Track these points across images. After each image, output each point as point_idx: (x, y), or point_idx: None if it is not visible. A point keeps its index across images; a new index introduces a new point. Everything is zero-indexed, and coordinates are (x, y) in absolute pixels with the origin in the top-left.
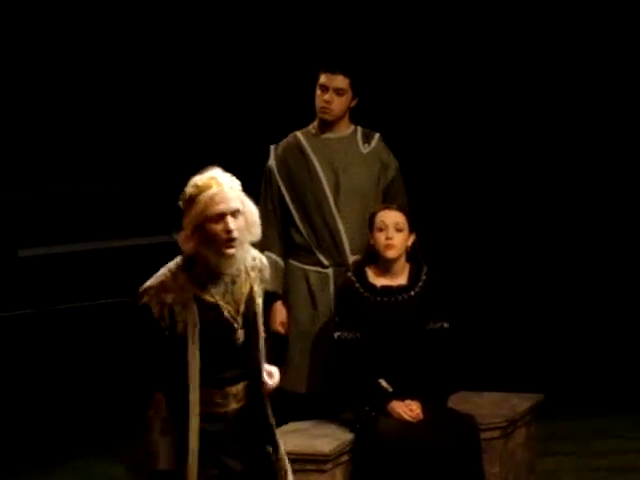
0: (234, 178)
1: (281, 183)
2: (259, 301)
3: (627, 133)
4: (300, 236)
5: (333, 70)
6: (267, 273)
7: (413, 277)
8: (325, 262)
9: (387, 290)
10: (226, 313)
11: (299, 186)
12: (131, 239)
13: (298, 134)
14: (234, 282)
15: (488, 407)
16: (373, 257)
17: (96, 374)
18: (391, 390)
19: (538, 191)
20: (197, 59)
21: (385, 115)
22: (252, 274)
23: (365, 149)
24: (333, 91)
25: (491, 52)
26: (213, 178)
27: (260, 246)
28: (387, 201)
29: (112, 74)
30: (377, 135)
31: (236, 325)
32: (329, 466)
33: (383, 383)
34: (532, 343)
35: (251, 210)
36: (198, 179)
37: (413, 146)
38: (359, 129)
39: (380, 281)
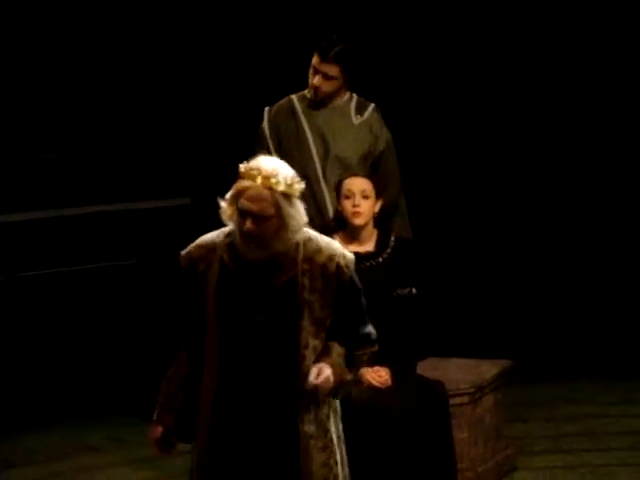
0: (286, 176)
1: (271, 144)
2: (310, 297)
3: (627, 132)
4: None
5: (324, 57)
6: (345, 275)
7: (381, 244)
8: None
9: (355, 257)
10: (247, 290)
11: (288, 149)
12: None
13: (293, 97)
14: (273, 265)
15: (457, 373)
16: (341, 224)
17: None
18: None
19: (512, 164)
20: (189, 26)
21: (384, 86)
22: (305, 267)
23: (357, 119)
24: (322, 76)
25: (493, 35)
26: (259, 170)
27: None
28: (376, 173)
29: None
30: (372, 106)
31: (255, 307)
32: None
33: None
34: (501, 309)
35: (289, 215)
36: (250, 163)
37: (410, 117)
38: (354, 97)
39: (348, 248)
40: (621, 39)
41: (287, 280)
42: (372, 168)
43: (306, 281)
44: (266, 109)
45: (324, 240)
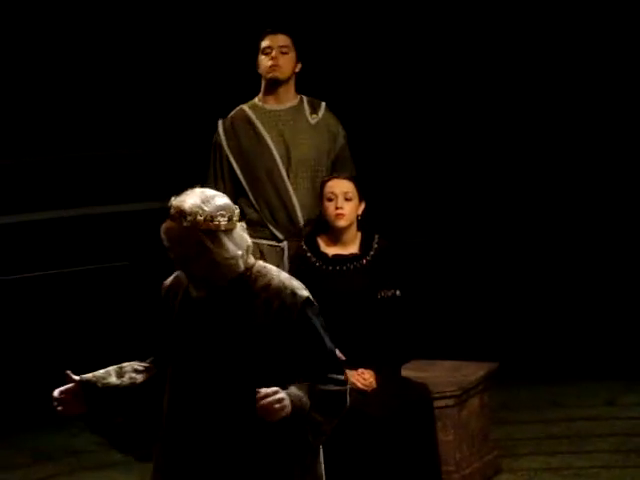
0: (206, 212)
1: (231, 157)
2: (255, 332)
3: (627, 132)
4: (253, 211)
5: (275, 31)
6: (293, 313)
7: (364, 246)
8: (280, 236)
9: (339, 259)
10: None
11: (250, 159)
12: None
13: (244, 107)
14: (225, 297)
15: (442, 376)
16: (324, 226)
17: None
18: (344, 359)
19: (502, 165)
20: (174, 32)
21: (330, 83)
22: (254, 301)
23: (313, 119)
24: (278, 50)
25: (491, 36)
26: (178, 209)
27: None
28: (336, 170)
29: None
30: (323, 104)
31: (205, 338)
32: None
33: (336, 352)
34: (486, 311)
35: (215, 252)
36: (174, 201)
37: (359, 113)
38: (305, 99)
39: (332, 250)
40: (621, 39)
41: (237, 313)
42: (332, 165)
43: (253, 316)
44: (220, 121)
45: (278, 277)
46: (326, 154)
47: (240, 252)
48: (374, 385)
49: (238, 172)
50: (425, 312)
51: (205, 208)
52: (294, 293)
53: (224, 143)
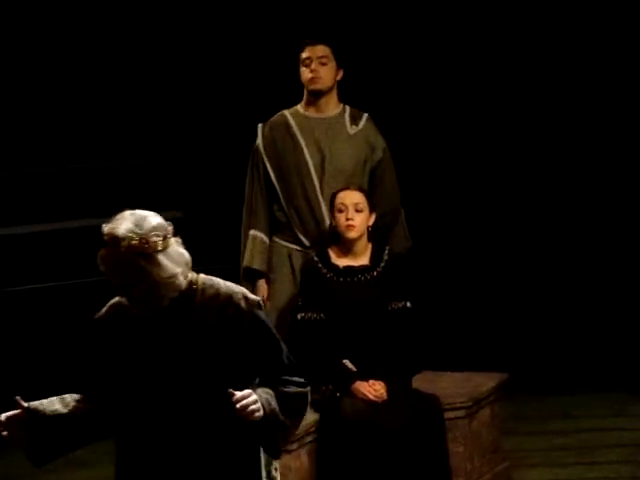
0: (139, 234)
1: (267, 162)
2: (209, 344)
3: (627, 132)
4: (284, 215)
5: (314, 42)
6: (246, 317)
7: (375, 257)
8: (306, 243)
9: (350, 270)
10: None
11: (285, 165)
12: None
13: (286, 113)
14: (170, 314)
15: (452, 387)
16: (335, 238)
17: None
18: (355, 370)
19: (510, 169)
20: (183, 38)
21: (376, 95)
22: (202, 313)
23: (352, 130)
24: (317, 61)
25: (491, 38)
26: (110, 235)
27: (247, 224)
28: (375, 182)
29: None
30: (365, 115)
31: (156, 356)
32: (294, 446)
33: (347, 364)
34: (496, 323)
35: (153, 273)
36: (107, 227)
37: (404, 126)
38: (347, 109)
39: (342, 261)
40: (621, 39)
41: (188, 329)
42: (370, 177)
43: (207, 327)
44: (259, 125)
45: (225, 285)
46: (362, 165)
47: (179, 269)
48: (385, 396)
49: (272, 177)
50: (435, 323)
51: (138, 231)
52: (246, 297)
53: (262, 149)
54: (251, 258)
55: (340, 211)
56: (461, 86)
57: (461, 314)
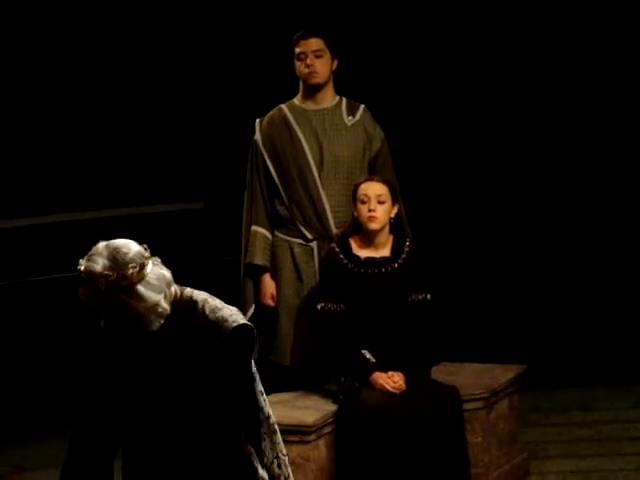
0: (117, 269)
1: (267, 156)
2: (192, 370)
3: (627, 132)
4: (285, 209)
5: (307, 36)
6: (222, 345)
7: (396, 249)
8: (309, 236)
9: (371, 262)
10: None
11: (284, 159)
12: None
13: (283, 107)
14: (159, 339)
15: (471, 378)
16: (357, 229)
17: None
18: (374, 361)
19: (519, 164)
20: (178, 35)
21: (372, 85)
22: (187, 338)
23: (350, 121)
24: (312, 55)
25: (492, 35)
26: (87, 273)
27: (249, 220)
28: (373, 173)
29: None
30: (362, 106)
31: (150, 380)
32: (312, 437)
33: (366, 354)
34: (515, 314)
35: (135, 305)
36: (83, 265)
37: (401, 116)
38: (344, 100)
39: (364, 252)
40: (621, 39)
41: (172, 354)
42: (369, 168)
43: (187, 353)
44: (257, 120)
45: (213, 309)
46: (361, 156)
47: (161, 295)
48: (403, 387)
49: (272, 171)
50: (454, 315)
51: (114, 266)
52: (226, 325)
53: (260, 143)
54: (253, 254)
55: (363, 202)
56: (460, 77)
57: (480, 306)
